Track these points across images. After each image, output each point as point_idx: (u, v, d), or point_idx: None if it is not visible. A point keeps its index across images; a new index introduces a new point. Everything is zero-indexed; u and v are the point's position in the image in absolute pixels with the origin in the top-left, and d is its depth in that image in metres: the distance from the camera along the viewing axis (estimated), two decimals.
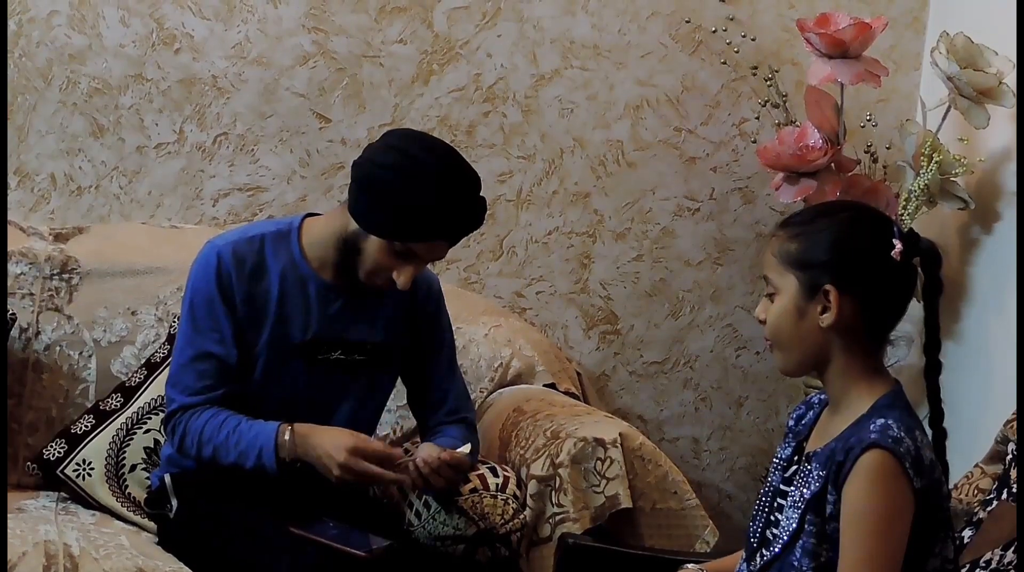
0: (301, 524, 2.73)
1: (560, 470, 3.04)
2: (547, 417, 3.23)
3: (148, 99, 3.63)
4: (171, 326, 3.35)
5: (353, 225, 2.79)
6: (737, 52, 3.88)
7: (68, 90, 3.58)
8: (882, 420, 2.15)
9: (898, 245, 2.20)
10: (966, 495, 2.84)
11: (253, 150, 3.72)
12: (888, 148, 3.88)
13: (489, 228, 3.88)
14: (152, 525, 3.08)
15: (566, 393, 3.58)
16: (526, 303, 3.97)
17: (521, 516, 2.96)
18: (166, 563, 2.80)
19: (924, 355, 3.55)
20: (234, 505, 2.84)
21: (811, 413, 2.39)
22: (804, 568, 2.19)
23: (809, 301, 2.22)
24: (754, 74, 3.87)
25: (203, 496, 2.90)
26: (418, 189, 2.71)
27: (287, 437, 2.75)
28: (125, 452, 3.21)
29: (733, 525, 3.93)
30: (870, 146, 3.83)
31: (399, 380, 3.09)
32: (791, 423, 2.42)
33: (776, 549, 2.24)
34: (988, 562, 2.58)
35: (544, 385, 3.60)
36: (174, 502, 2.94)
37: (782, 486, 2.32)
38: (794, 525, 2.22)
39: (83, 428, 3.25)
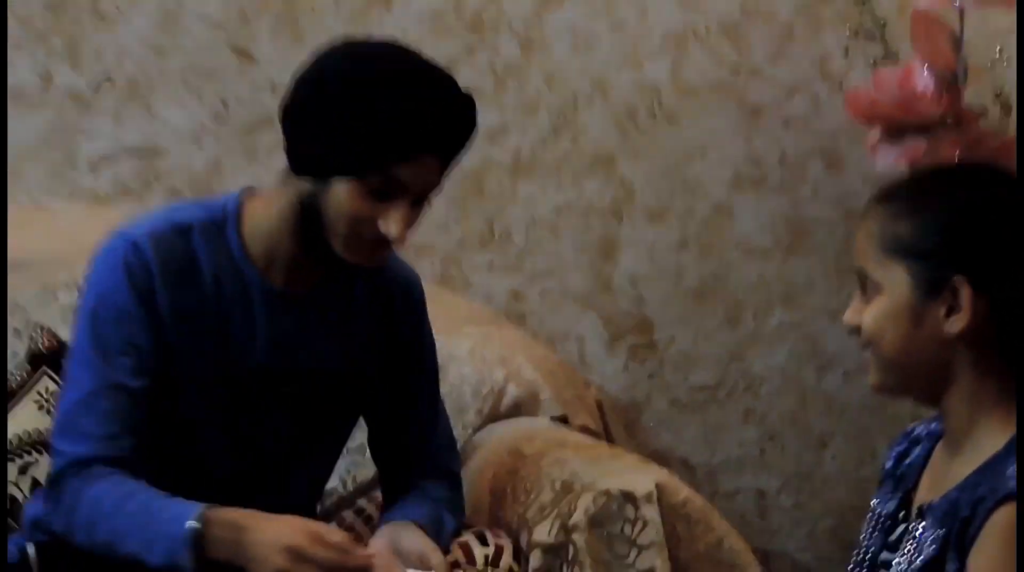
0: None
1: (574, 536, 2.85)
2: (556, 463, 3.03)
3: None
4: (31, 340, 3.17)
5: (305, 187, 2.55)
6: None
7: None
8: None
9: None
10: None
11: (147, 99, 3.55)
12: None
13: (475, 204, 3.71)
14: None
15: (582, 430, 3.38)
16: (526, 307, 3.79)
17: None
18: None
19: None
20: None
21: (918, 449, 2.27)
22: None
23: (928, 301, 2.09)
24: None
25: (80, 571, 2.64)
26: (378, 89, 2.48)
27: (215, 530, 2.50)
28: None
29: None
30: (1000, 92, 3.67)
31: (360, 417, 2.90)
32: (889, 465, 2.31)
33: None
34: None
35: (552, 419, 3.39)
36: None
37: (884, 553, 2.19)
38: None
39: None
